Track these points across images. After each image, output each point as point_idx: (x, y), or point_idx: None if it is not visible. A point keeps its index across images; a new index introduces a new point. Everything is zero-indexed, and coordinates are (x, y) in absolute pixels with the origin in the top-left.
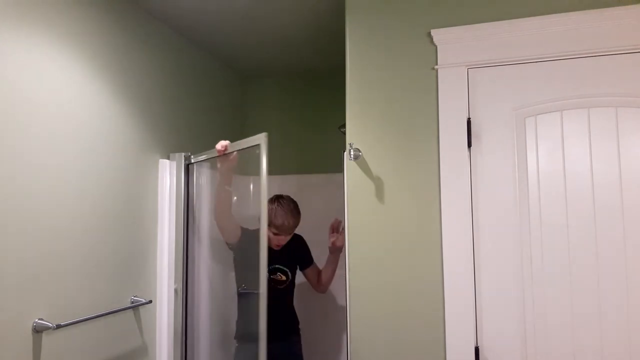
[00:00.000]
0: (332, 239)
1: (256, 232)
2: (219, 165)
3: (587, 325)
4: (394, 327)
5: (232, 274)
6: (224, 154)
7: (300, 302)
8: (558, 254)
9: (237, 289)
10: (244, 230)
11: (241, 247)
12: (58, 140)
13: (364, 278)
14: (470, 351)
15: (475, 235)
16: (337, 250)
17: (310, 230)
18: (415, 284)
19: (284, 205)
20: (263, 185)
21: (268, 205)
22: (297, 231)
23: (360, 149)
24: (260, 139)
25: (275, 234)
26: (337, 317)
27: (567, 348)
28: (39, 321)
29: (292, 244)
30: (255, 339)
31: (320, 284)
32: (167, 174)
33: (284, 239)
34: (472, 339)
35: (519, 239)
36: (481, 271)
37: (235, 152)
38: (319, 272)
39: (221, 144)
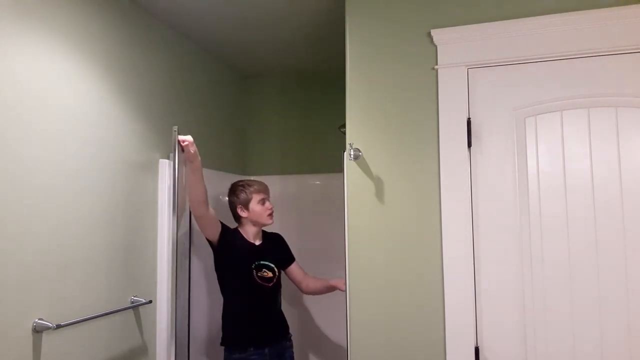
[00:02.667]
0: (339, 284)
1: (237, 232)
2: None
3: (587, 325)
4: (393, 328)
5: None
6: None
7: (298, 304)
8: (558, 255)
9: (222, 294)
10: (225, 228)
11: (223, 248)
12: (58, 139)
13: (363, 278)
14: (470, 351)
15: (475, 235)
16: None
17: (310, 230)
18: (415, 284)
19: (242, 179)
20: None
21: (237, 191)
22: (280, 231)
23: (360, 149)
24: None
25: (263, 199)
26: (335, 319)
27: (567, 348)
28: (39, 321)
29: (271, 242)
30: (245, 347)
31: (309, 287)
32: (167, 174)
33: (270, 205)
34: (472, 339)
35: (519, 239)
36: (481, 271)
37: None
38: (303, 272)
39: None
